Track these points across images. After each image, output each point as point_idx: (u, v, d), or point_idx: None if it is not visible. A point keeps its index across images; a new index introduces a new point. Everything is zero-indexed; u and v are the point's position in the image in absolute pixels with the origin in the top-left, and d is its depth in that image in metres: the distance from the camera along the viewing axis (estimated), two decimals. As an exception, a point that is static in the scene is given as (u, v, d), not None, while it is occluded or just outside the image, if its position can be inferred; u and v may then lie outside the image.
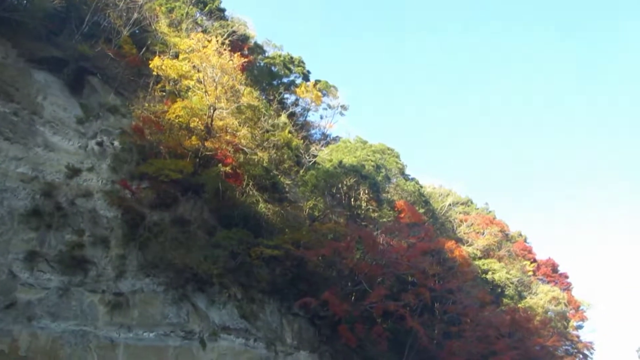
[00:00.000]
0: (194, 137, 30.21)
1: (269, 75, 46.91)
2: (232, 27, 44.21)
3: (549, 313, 67.30)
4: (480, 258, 59.54)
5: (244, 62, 33.42)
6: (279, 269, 30.70)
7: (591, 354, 75.04)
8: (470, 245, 61.78)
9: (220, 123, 31.64)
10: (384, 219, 41.94)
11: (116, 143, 28.53)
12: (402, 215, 44.32)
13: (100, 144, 27.81)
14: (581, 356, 73.56)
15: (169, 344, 25.83)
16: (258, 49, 48.17)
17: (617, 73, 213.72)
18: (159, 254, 26.87)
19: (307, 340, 30.75)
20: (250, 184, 33.02)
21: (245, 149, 33.09)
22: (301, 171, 41.29)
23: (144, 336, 25.57)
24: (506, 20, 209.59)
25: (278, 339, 29.18)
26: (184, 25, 39.61)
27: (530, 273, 73.41)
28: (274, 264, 30.59)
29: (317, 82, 49.64)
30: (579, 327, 78.08)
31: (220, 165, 30.66)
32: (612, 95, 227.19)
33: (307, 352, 30.25)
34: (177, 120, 29.76)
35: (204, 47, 31.10)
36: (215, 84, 30.40)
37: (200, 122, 30.64)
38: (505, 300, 56.23)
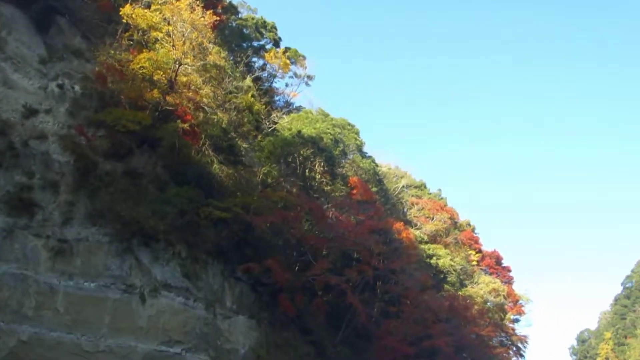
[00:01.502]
0: (155, 90, 30.23)
1: (240, 37, 47.02)
2: (208, -17, 44.12)
3: (487, 303, 69.52)
4: (426, 242, 61.00)
5: (216, 20, 33.38)
6: (226, 231, 31.03)
7: (524, 347, 78.05)
8: (418, 228, 63.19)
9: (184, 79, 31.76)
10: (336, 194, 42.82)
11: (77, 87, 28.46)
12: (355, 191, 45.26)
13: (60, 86, 27.76)
14: (515, 349, 76.37)
15: (109, 296, 26.09)
16: (232, 9, 48.08)
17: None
18: (108, 205, 27.01)
19: (247, 305, 31.16)
20: (207, 143, 33.35)
21: (206, 107, 33.33)
22: (259, 136, 41.70)
23: (85, 286, 25.86)
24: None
25: (218, 301, 29.47)
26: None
27: (474, 263, 75.43)
28: (222, 226, 30.90)
29: (287, 49, 49.93)
30: (516, 321, 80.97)
31: (179, 121, 30.85)
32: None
33: (246, 318, 30.64)
34: (140, 72, 29.63)
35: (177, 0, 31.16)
36: (183, 39, 30.50)
37: (164, 76, 30.66)
38: (446, 287, 57.86)
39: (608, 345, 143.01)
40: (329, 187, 42.95)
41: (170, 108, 31.16)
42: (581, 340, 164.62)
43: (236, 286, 31.12)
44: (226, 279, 30.75)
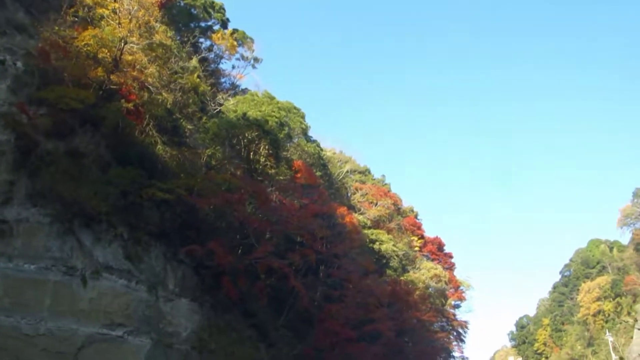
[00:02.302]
0: (100, 69, 29.98)
1: (187, 17, 46.77)
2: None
3: (429, 289, 71.21)
4: (370, 227, 62.01)
5: (164, -1, 33.45)
6: (169, 213, 31.08)
7: (465, 332, 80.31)
8: (362, 213, 64.18)
9: (129, 58, 31.58)
10: (281, 177, 43.18)
11: (19, 64, 27.95)
12: (299, 175, 45.76)
13: (2, 62, 27.22)
14: (455, 334, 78.43)
15: (50, 278, 25.93)
16: (180, -13, 47.91)
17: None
18: (49, 185, 26.80)
19: (189, 288, 31.26)
20: (151, 124, 33.31)
21: (151, 87, 33.22)
22: (204, 118, 41.76)
23: (25, 268, 25.63)
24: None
25: (160, 284, 29.48)
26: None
27: (417, 248, 77.08)
28: (165, 208, 30.94)
29: (234, 31, 50.06)
30: (457, 306, 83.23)
31: (123, 100, 30.62)
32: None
33: (188, 300, 30.73)
34: (85, 49, 29.35)
35: (124, -24, 30.87)
36: (130, 17, 30.36)
37: (109, 54, 30.44)
38: (388, 272, 58.98)
39: (546, 331, 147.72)
40: (273, 171, 43.26)
41: (115, 87, 30.96)
42: (520, 326, 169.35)
43: (179, 269, 31.13)
44: (169, 262, 30.73)
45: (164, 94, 34.62)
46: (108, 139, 30.56)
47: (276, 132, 44.44)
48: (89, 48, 29.54)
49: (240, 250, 36.33)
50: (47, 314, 25.52)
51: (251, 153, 42.20)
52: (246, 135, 40.83)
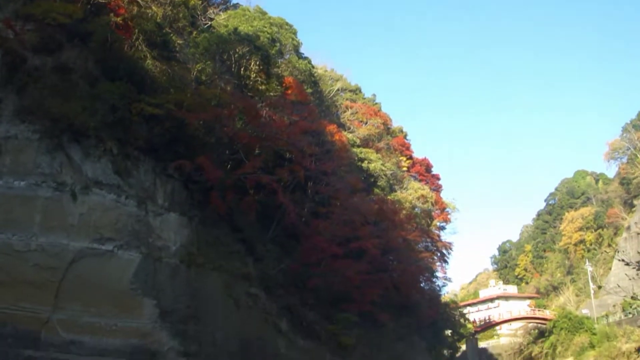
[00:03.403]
0: (88, -18, 29.27)
1: None
2: None
3: (415, 209, 72.09)
4: (359, 146, 62.26)
5: None
6: (158, 128, 30.97)
7: (449, 253, 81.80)
8: (351, 132, 64.32)
9: (117, -30, 30.92)
10: (271, 93, 42.94)
11: (4, -22, 27.25)
12: (290, 92, 45.56)
13: (-14, -22, 26.67)
14: (439, 254, 79.80)
15: (39, 194, 26.13)
16: None
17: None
18: (37, 101, 26.67)
19: (178, 202, 31.47)
20: (140, 38, 32.73)
21: (140, 1, 32.61)
22: (195, 33, 41.14)
23: (14, 184, 25.80)
24: None
25: (150, 198, 29.66)
26: None
27: (405, 169, 77.70)
28: (154, 123, 30.83)
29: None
30: (442, 228, 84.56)
31: (111, 14, 30.15)
32: None
33: (177, 215, 30.93)
34: (71, -38, 28.55)
35: None
36: None
37: (95, -33, 29.66)
38: (376, 190, 59.54)
39: (527, 257, 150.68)
40: (263, 87, 43.06)
41: (103, 1, 30.35)
42: (502, 251, 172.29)
43: (168, 183, 31.28)
44: (158, 176, 30.85)
45: (153, 7, 34.01)
46: (96, 54, 30.17)
47: (267, 48, 44.06)
48: (75, -39, 28.70)
49: (229, 166, 36.54)
50: (37, 229, 25.81)
51: (242, 69, 41.96)
52: (237, 50, 40.51)
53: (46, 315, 25.99)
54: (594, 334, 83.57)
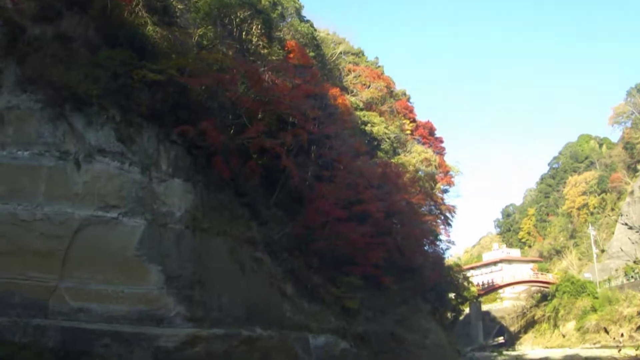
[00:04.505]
0: (85, -53, 28.87)
1: None
2: None
3: (419, 172, 72.08)
4: (362, 109, 62.08)
5: None
6: (160, 94, 30.82)
7: (452, 217, 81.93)
8: (354, 95, 64.08)
9: None
10: (273, 57, 42.76)
11: (1, -53, 26.88)
12: (292, 55, 45.35)
13: (-19, -54, 26.30)
14: (443, 218, 79.90)
15: (43, 164, 26.29)
16: None
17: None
18: (38, 70, 26.63)
19: (182, 168, 31.36)
20: (141, 4, 32.50)
21: (138, -34, 32.31)
22: (195, -4, 40.93)
23: (18, 155, 26.00)
24: None
25: (153, 165, 29.60)
26: None
27: (408, 132, 77.48)
28: (156, 89, 30.69)
29: None
30: (445, 191, 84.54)
31: (110, -20, 29.88)
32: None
33: (181, 180, 30.85)
34: None
35: None
36: None
37: None
38: (379, 154, 59.49)
39: (531, 220, 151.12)
40: (265, 51, 42.85)
41: (101, -32, 29.96)
42: (506, 214, 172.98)
43: (171, 149, 31.16)
44: (161, 142, 30.73)
45: (152, -27, 33.65)
46: (96, 21, 30.05)
47: (269, 11, 43.78)
48: None
49: (232, 130, 36.48)
50: (42, 199, 26.04)
51: (243, 33, 41.69)
52: (238, 14, 40.18)
53: (53, 283, 26.25)
54: (596, 298, 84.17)
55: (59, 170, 26.53)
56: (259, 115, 38.17)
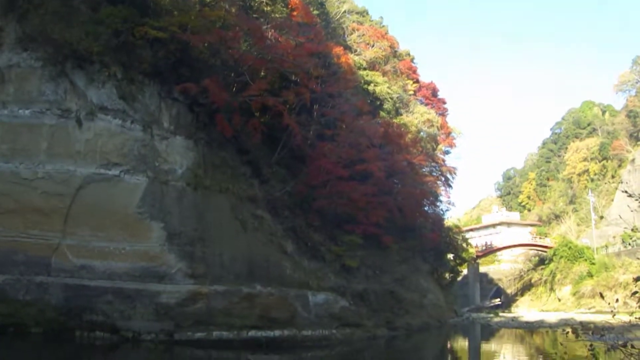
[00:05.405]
0: None
1: None
2: None
3: (421, 133, 71.87)
4: (365, 69, 61.60)
5: None
6: (162, 51, 30.66)
7: (453, 178, 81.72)
8: (358, 54, 63.55)
9: None
10: (277, 15, 42.34)
11: None
12: (295, 13, 44.80)
13: None
14: (444, 179, 79.81)
15: (45, 122, 26.48)
16: None
17: None
18: (39, 28, 26.57)
19: (184, 126, 31.52)
20: (142, -40, 32.13)
21: None
22: (197, -49, 40.32)
23: (19, 113, 26.18)
24: None
25: (155, 122, 29.75)
26: None
27: (411, 92, 77.00)
28: (158, 46, 30.56)
29: None
30: (447, 152, 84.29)
31: None
32: None
33: (183, 138, 31.04)
34: None
35: None
36: None
37: None
38: (382, 114, 59.17)
39: (531, 185, 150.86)
40: (269, 8, 42.44)
41: None
42: (507, 178, 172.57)
43: (173, 107, 31.30)
44: (163, 100, 30.88)
45: None
46: (97, -23, 29.57)
47: (272, -33, 43.12)
48: None
49: (234, 88, 36.31)
50: (44, 157, 26.30)
51: (245, -11, 41.18)
52: (240, -29, 39.63)
53: (56, 241, 26.55)
54: (593, 263, 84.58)
55: (60, 128, 26.68)
56: (262, 73, 38.09)
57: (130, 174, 27.87)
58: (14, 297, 25.62)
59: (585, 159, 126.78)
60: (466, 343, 47.31)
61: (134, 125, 28.49)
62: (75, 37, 27.12)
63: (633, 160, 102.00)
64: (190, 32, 31.90)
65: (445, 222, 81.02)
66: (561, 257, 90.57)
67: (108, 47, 28.29)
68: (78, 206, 26.67)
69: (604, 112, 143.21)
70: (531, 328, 52.26)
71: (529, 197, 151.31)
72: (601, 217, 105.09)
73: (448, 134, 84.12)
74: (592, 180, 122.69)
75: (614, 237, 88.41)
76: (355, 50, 64.44)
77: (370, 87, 59.65)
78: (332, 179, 40.60)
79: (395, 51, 78.39)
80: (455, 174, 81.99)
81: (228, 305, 29.34)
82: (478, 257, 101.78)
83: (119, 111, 28.04)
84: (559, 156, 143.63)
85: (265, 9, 42.04)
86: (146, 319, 27.28)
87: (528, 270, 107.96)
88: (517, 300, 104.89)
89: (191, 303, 28.28)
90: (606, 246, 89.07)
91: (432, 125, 75.94)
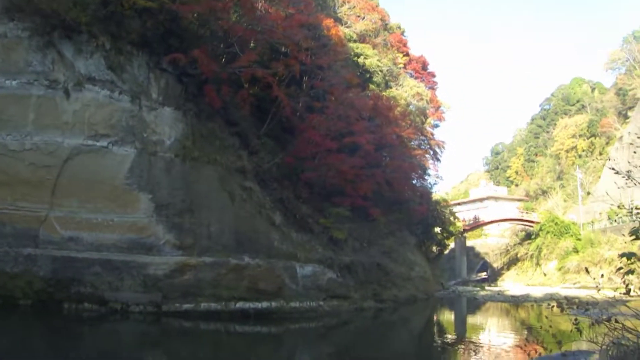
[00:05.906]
0: None
1: None
2: None
3: (410, 106, 71.78)
4: (355, 41, 61.29)
5: None
6: (151, 21, 30.37)
7: (441, 152, 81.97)
8: (348, 27, 63.17)
9: None
10: (266, -15, 42.08)
11: None
12: (285, -16, 44.51)
13: None
14: (432, 152, 79.98)
15: (32, 93, 26.23)
16: None
17: None
18: (26, -3, 26.18)
19: (172, 96, 31.32)
20: None
21: None
22: None
23: (6, 84, 25.90)
24: None
25: (144, 93, 29.57)
26: None
27: (401, 66, 76.76)
28: (147, 16, 30.24)
29: None
30: (436, 126, 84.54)
31: None
32: None
33: (172, 109, 30.89)
34: None
35: None
36: None
37: None
38: (371, 86, 59.05)
39: (519, 160, 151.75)
40: (259, -22, 42.07)
41: None
42: (495, 152, 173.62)
43: (162, 77, 31.07)
44: (151, 71, 30.63)
45: None
46: (84, -52, 29.17)
47: (262, -64, 42.62)
48: None
49: (223, 59, 36.20)
50: (31, 128, 26.15)
51: (236, -41, 40.71)
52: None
53: (44, 213, 26.57)
54: (579, 239, 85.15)
55: (48, 99, 26.47)
56: (251, 45, 37.89)
57: (118, 145, 27.78)
58: (1, 270, 25.68)
59: (573, 136, 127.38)
60: (452, 316, 47.79)
61: (122, 96, 28.33)
62: (63, 7, 26.85)
63: (621, 137, 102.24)
64: (180, 2, 31.60)
65: (433, 196, 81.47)
66: (547, 232, 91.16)
67: (96, 17, 28.05)
68: (66, 178, 26.62)
69: (593, 90, 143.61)
70: (517, 302, 52.82)
71: (516, 172, 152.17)
72: (588, 194, 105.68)
73: (437, 108, 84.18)
74: (580, 156, 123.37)
75: (600, 213, 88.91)
76: (346, 23, 64.06)
77: (360, 60, 59.43)
78: (320, 151, 40.60)
79: (386, 24, 78.05)
80: (443, 147, 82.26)
81: (216, 277, 29.51)
82: (465, 230, 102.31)
83: (107, 82, 27.83)
84: (548, 132, 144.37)
85: (255, -21, 41.61)
86: (134, 290, 27.43)
87: (514, 245, 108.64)
88: (503, 274, 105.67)
89: (179, 274, 28.43)
90: (592, 222, 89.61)
91: (422, 99, 75.86)
